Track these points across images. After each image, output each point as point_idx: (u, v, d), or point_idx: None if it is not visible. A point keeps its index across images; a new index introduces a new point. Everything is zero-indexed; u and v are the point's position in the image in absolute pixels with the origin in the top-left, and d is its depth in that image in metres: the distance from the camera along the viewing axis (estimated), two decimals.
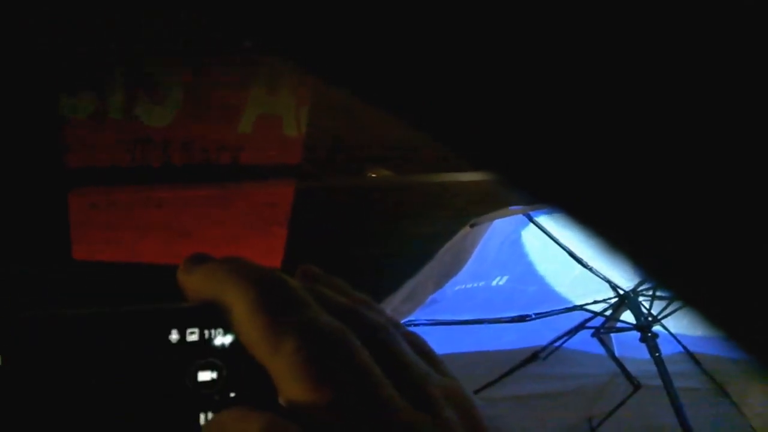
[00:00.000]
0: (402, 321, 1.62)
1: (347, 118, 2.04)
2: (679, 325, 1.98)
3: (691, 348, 2.00)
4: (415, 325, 1.73)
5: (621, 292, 1.85)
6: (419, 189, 1.89)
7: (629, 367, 1.96)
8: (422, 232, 1.75)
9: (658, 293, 1.86)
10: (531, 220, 1.66)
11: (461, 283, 1.64)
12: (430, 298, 1.58)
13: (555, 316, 1.89)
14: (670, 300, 1.88)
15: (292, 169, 1.98)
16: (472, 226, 1.43)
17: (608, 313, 1.92)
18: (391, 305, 1.49)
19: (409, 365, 0.26)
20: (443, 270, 1.54)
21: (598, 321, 1.96)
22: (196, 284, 0.27)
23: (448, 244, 1.52)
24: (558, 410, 2.01)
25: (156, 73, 1.75)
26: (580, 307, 1.91)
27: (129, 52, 1.77)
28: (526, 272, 1.83)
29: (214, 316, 0.26)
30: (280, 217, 1.92)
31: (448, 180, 2.05)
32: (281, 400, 0.24)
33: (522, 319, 1.82)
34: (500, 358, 1.89)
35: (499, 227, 1.61)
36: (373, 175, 2.38)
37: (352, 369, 0.23)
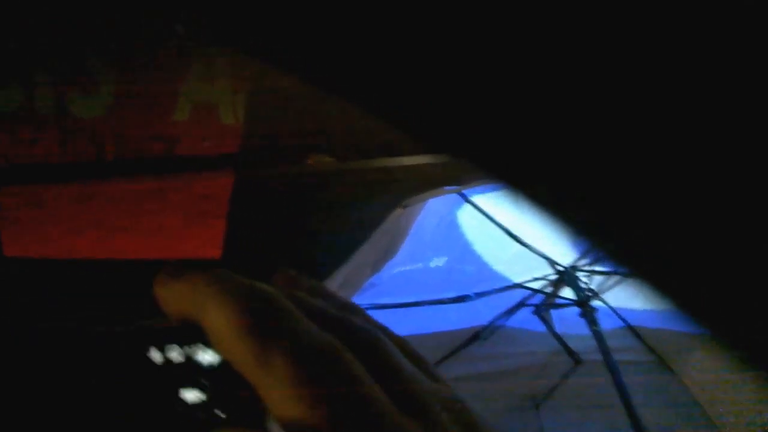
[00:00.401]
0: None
1: (286, 106, 2.00)
2: (619, 299, 2.00)
3: (632, 322, 2.02)
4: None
5: (560, 269, 1.85)
6: (361, 175, 1.87)
7: (571, 344, 1.98)
8: (364, 218, 1.72)
9: (596, 268, 1.86)
10: (466, 199, 1.65)
11: (399, 265, 1.63)
12: (368, 282, 1.55)
13: (495, 295, 1.88)
14: (609, 274, 1.90)
15: (230, 158, 1.92)
16: (404, 207, 1.40)
17: (548, 290, 1.92)
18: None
19: (401, 372, 0.25)
20: (379, 253, 1.51)
21: (538, 298, 1.97)
22: (175, 300, 0.26)
23: (381, 227, 1.48)
24: (502, 389, 2.01)
25: (87, 64, 1.67)
26: (520, 285, 1.91)
27: (58, 44, 1.69)
28: (464, 252, 1.83)
29: (197, 334, 0.25)
30: (217, 209, 1.87)
31: (390, 165, 2.03)
32: (272, 419, 0.23)
33: (462, 299, 1.81)
34: (442, 339, 1.89)
35: (433, 208, 1.60)
36: (312, 163, 2.35)
37: (345, 383, 0.23)
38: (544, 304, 1.99)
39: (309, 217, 1.93)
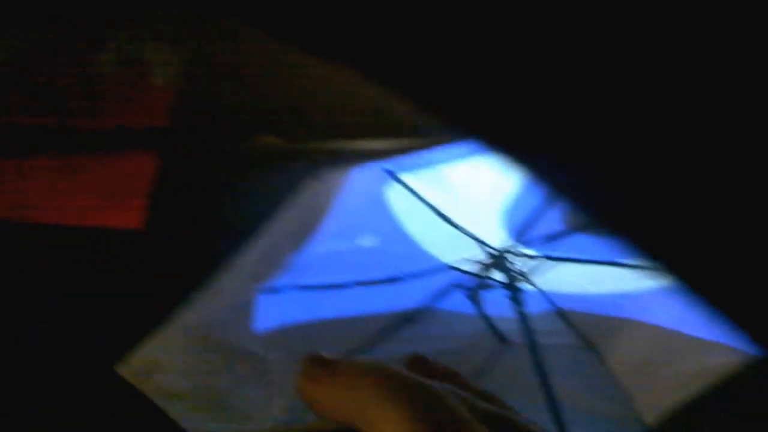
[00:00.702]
0: (263, 287, 1.55)
1: (228, 78, 1.93)
2: (550, 283, 2.01)
3: (561, 305, 2.03)
4: (279, 290, 1.66)
5: (491, 251, 1.84)
6: (307, 156, 1.82)
7: (501, 326, 1.98)
8: (279, 189, 1.67)
9: (528, 252, 1.87)
10: (394, 177, 1.62)
11: (323, 243, 1.58)
12: (291, 261, 1.51)
13: (426, 277, 1.87)
14: (540, 258, 1.91)
15: (158, 132, 1.84)
16: (317, 177, 1.37)
17: (479, 272, 1.91)
18: (242, 271, 1.40)
19: None
20: (298, 228, 1.46)
21: (470, 281, 1.96)
22: (330, 398, 0.24)
23: (294, 200, 1.44)
24: None
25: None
26: (451, 267, 1.89)
27: None
28: (394, 232, 1.81)
29: None
30: (138, 189, 1.78)
31: (340, 147, 1.98)
32: None
33: (393, 280, 1.78)
34: (371, 322, 1.86)
35: (357, 183, 1.57)
36: (257, 144, 2.28)
37: None
38: (476, 286, 1.98)
39: (247, 199, 1.88)
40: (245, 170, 1.97)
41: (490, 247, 1.89)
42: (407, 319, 1.93)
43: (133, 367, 1.43)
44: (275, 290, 1.63)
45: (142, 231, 1.72)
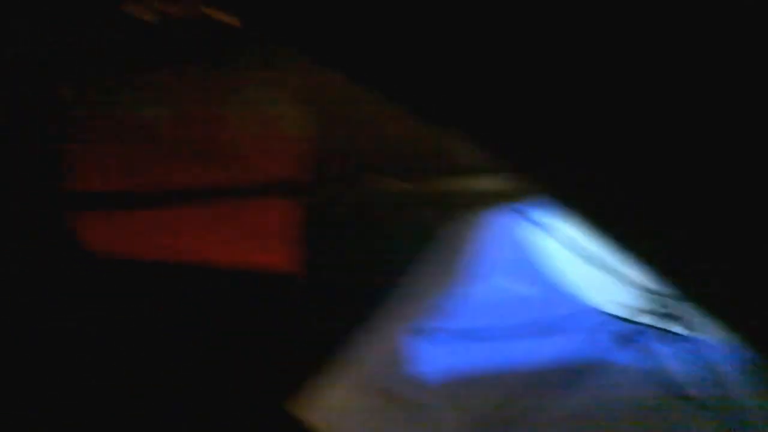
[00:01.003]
0: (408, 332, 1.57)
1: (348, 126, 2.05)
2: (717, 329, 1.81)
3: (732, 351, 1.82)
4: (422, 334, 1.67)
5: (656, 294, 1.72)
6: (423, 198, 1.86)
7: (682, 381, 1.78)
8: (422, 235, 1.71)
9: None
10: (526, 216, 1.58)
11: (460, 286, 1.57)
12: (432, 304, 1.53)
13: (568, 318, 1.76)
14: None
15: (293, 183, 2.01)
16: (455, 222, 1.41)
17: (639, 318, 1.82)
18: (390, 316, 1.47)
19: None
20: (438, 273, 1.50)
21: (633, 328, 1.80)
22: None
23: (434, 246, 1.48)
24: None
25: (146, 85, 1.87)
26: (601, 311, 1.83)
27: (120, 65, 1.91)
28: (532, 275, 1.74)
29: None
30: (283, 234, 1.92)
31: (455, 188, 2.00)
32: None
33: (532, 323, 1.71)
34: (526, 371, 1.78)
35: (493, 225, 1.55)
36: (375, 185, 2.36)
37: None
38: (642, 334, 1.83)
39: (374, 240, 1.94)
40: (382, 213, 2.04)
41: (645, 288, 1.76)
42: (565, 370, 1.82)
43: (302, 408, 1.53)
44: (419, 334, 1.63)
45: (291, 274, 1.82)
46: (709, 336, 1.77)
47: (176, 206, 1.89)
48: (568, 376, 1.84)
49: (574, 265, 1.77)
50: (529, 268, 1.76)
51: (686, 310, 1.75)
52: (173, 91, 1.92)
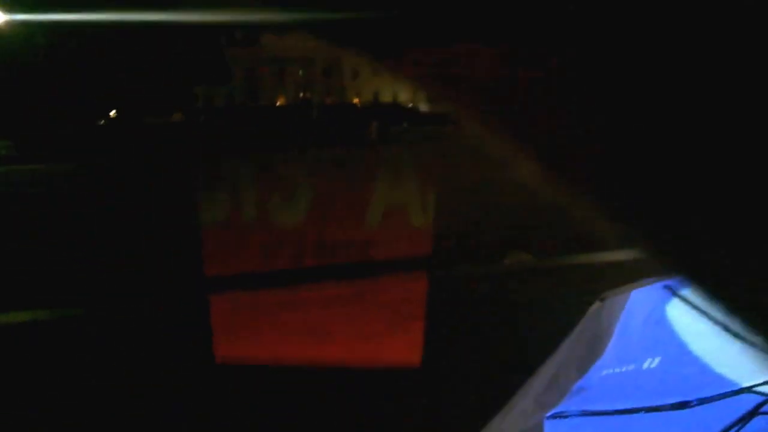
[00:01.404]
0: (551, 413, 1.56)
1: (477, 200, 2.09)
2: None
3: None
4: (566, 416, 1.64)
5: None
6: (559, 272, 1.87)
7: None
8: (564, 314, 1.70)
9: None
10: (675, 293, 1.56)
11: (607, 367, 1.56)
12: (576, 385, 1.51)
13: (721, 402, 1.72)
14: None
15: (423, 260, 2.04)
16: (602, 300, 1.38)
17: None
18: (532, 395, 1.44)
19: None
20: (583, 352, 1.48)
21: None
22: None
23: (581, 324, 1.47)
24: None
25: (284, 169, 1.93)
26: (750, 389, 1.73)
27: (256, 149, 1.98)
28: (679, 352, 1.71)
29: None
30: (415, 311, 1.95)
31: (591, 261, 2.00)
32: None
33: (683, 405, 1.68)
34: None
35: (638, 303, 1.55)
36: (510, 261, 2.37)
37: None
38: None
39: (507, 316, 1.96)
40: (518, 290, 2.04)
41: None
42: None
43: None
44: (563, 416, 1.61)
45: (426, 363, 1.84)
46: None
47: (307, 286, 1.95)
48: None
49: (725, 344, 1.72)
50: (679, 348, 1.73)
51: None
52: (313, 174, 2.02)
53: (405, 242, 2.00)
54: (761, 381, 1.76)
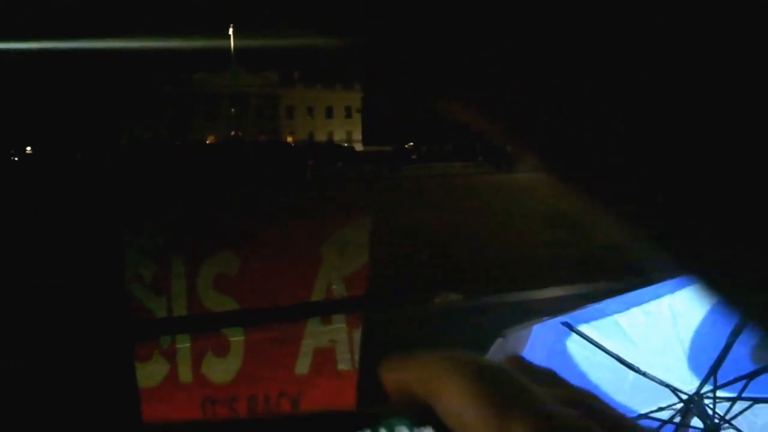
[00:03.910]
0: None
1: (410, 243, 2.23)
2: (756, 427, 1.97)
3: None
4: None
5: (684, 396, 1.88)
6: (492, 311, 2.00)
7: None
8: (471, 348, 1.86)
9: (724, 394, 1.88)
10: (572, 329, 1.77)
11: None
12: None
13: None
14: (739, 399, 1.90)
15: (357, 301, 2.11)
16: (503, 336, 1.56)
17: (677, 419, 1.94)
18: None
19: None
20: None
21: (668, 429, 1.97)
22: (404, 381, 0.27)
23: (491, 356, 1.62)
24: None
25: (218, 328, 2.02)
26: (646, 416, 1.94)
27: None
28: (579, 384, 1.88)
29: (426, 413, 0.27)
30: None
31: (520, 299, 2.17)
32: None
33: None
34: None
35: (540, 339, 1.73)
36: (439, 300, 2.53)
37: None
38: None
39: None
40: (433, 328, 2.16)
41: (683, 392, 1.91)
42: None
43: None
44: None
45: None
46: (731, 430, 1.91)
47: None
48: None
49: (621, 375, 1.91)
50: (580, 379, 1.91)
51: (709, 407, 1.91)
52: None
53: (332, 391, 2.13)
54: (655, 408, 1.98)
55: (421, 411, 0.26)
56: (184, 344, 2.04)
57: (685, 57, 0.21)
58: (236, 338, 2.06)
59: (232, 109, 48.45)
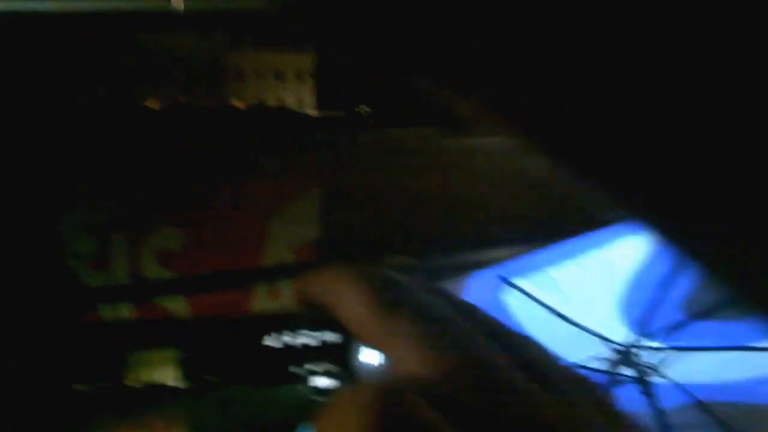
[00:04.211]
0: None
1: (364, 209, 2.21)
2: (682, 374, 2.04)
3: (701, 397, 2.04)
4: None
5: (615, 346, 1.94)
6: (442, 272, 2.01)
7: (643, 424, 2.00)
8: None
9: (652, 344, 1.95)
10: (507, 282, 1.81)
11: None
12: None
13: None
14: (667, 349, 1.96)
15: (308, 266, 2.10)
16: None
17: (609, 369, 2.00)
18: None
19: (526, 349, 0.27)
20: None
21: (600, 378, 2.03)
22: (308, 289, 0.29)
23: None
24: None
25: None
26: (579, 366, 1.99)
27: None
28: None
29: (325, 315, 0.28)
30: None
31: (469, 260, 2.19)
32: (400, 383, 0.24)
33: None
34: None
35: (475, 291, 1.75)
36: (388, 264, 2.55)
37: (467, 343, 0.24)
38: (605, 384, 2.06)
39: None
40: None
41: (614, 343, 1.98)
42: None
43: None
44: None
45: None
46: (659, 379, 2.00)
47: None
48: None
49: (554, 326, 1.97)
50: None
51: (637, 357, 1.99)
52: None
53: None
54: (588, 358, 2.05)
55: (323, 316, 0.28)
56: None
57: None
58: (179, 304, 2.04)
59: (178, 73, 47.25)
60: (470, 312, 0.28)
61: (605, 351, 2.02)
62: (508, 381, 0.23)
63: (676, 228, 0.23)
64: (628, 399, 2.14)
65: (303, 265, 2.14)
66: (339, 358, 0.30)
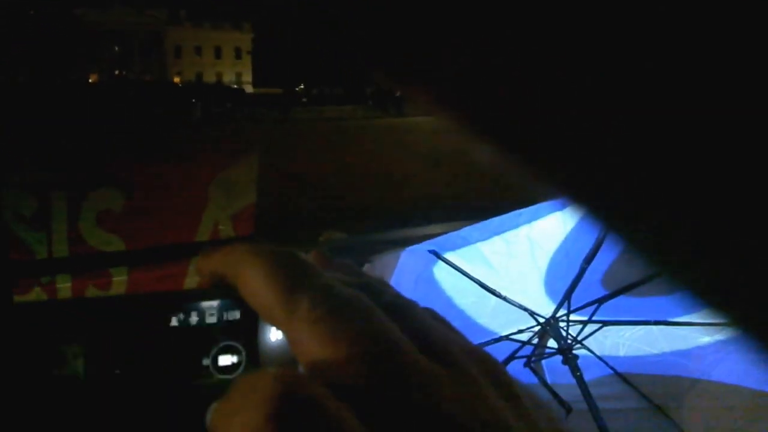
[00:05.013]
0: None
1: (297, 184, 2.25)
2: (604, 347, 2.12)
3: (620, 368, 2.13)
4: None
5: (541, 319, 2.00)
6: (373, 248, 2.04)
7: (562, 393, 2.07)
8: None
9: (577, 318, 2.01)
10: (439, 256, 1.84)
11: None
12: None
13: (498, 353, 2.00)
14: (591, 322, 2.03)
15: (244, 240, 2.13)
16: (370, 262, 1.60)
17: (535, 341, 2.06)
18: None
19: (429, 328, 0.27)
20: None
21: (526, 350, 2.10)
22: (212, 267, 0.29)
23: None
24: None
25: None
26: (507, 338, 2.05)
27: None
28: (446, 307, 1.98)
29: (229, 293, 0.28)
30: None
31: (402, 236, 2.23)
32: (301, 365, 0.24)
33: None
34: None
35: (407, 265, 1.78)
36: (323, 239, 2.56)
37: (369, 324, 0.24)
38: (534, 355, 2.13)
39: None
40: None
41: (540, 315, 2.05)
42: None
43: None
44: None
45: None
46: (583, 352, 2.07)
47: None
48: None
49: (484, 299, 2.03)
50: (446, 303, 2.00)
51: (563, 329, 2.05)
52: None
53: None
54: (515, 330, 2.11)
55: (226, 293, 0.28)
56: (65, 284, 1.99)
57: None
58: (119, 278, 2.03)
59: (117, 48, 46.20)
60: (378, 291, 0.28)
61: (531, 323, 2.07)
62: (410, 363, 0.23)
63: (600, 202, 0.21)
64: (551, 370, 2.22)
65: (240, 238, 2.16)
66: (245, 336, 0.28)
